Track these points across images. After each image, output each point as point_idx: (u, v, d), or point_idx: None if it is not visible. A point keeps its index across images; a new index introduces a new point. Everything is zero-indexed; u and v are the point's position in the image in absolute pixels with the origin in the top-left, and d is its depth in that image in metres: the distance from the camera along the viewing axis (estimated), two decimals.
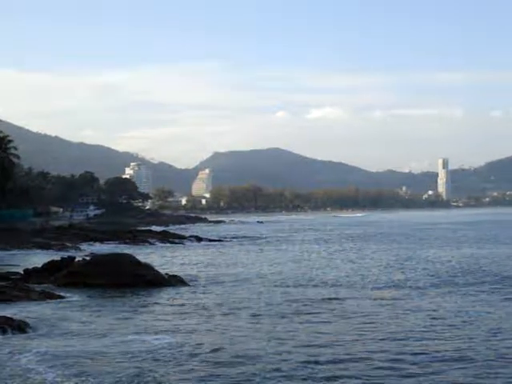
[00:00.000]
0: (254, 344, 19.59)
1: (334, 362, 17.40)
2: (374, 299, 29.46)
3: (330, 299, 29.35)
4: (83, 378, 15.85)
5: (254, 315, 25.25)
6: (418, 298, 29.64)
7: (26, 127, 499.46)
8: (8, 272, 38.94)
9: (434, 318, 24.06)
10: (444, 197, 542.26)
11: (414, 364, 17.13)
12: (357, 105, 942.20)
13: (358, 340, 20.26)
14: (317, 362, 17.28)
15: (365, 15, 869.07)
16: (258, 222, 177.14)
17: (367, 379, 15.81)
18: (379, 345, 19.51)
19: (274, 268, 45.84)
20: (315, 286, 35.04)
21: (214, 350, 18.72)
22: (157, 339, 20.33)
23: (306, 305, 27.80)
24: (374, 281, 36.77)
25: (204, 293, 32.42)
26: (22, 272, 37.95)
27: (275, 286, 35.14)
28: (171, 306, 28.10)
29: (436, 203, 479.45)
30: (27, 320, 22.89)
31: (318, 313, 25.75)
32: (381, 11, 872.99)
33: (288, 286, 34.76)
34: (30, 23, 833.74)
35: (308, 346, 19.27)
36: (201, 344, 19.59)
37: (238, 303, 28.39)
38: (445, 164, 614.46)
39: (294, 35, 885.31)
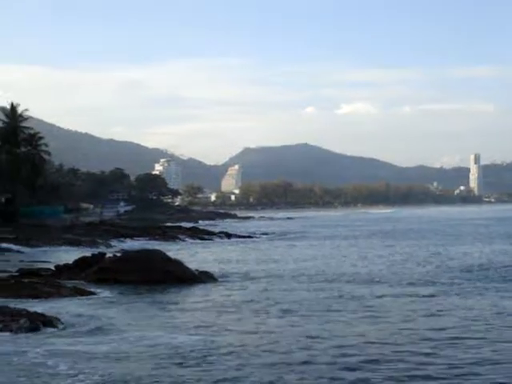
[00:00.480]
0: (284, 343, 19.17)
1: (366, 362, 16.78)
2: (410, 296, 28.97)
3: (363, 296, 28.92)
4: (106, 375, 15.64)
5: (285, 312, 24.91)
6: (454, 295, 29.14)
7: (57, 124, 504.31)
8: (39, 268, 39.09)
9: (473, 317, 23.42)
10: (476, 192, 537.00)
11: (451, 367, 16.34)
12: (386, 100, 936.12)
13: (394, 341, 19.49)
14: (346, 366, 16.44)
15: (394, 10, 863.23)
16: (287, 218, 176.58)
17: None
18: (418, 346, 18.71)
19: (304, 264, 45.52)
20: (348, 281, 34.67)
21: (244, 349, 18.35)
22: (185, 336, 20.09)
23: (338, 302, 27.43)
24: (408, 277, 36.26)
25: (234, 289, 32.20)
26: (54, 268, 38.06)
27: (307, 282, 34.80)
28: (201, 302, 27.90)
29: (468, 199, 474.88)
30: (58, 316, 22.86)
31: (353, 310, 25.27)
32: (408, 5, 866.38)
33: (320, 282, 34.41)
34: (59, 21, 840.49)
35: (340, 347, 18.65)
36: (229, 342, 19.27)
37: (269, 300, 28.08)
38: (476, 159, 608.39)
39: (324, 30, 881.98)
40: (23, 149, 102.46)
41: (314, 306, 26.22)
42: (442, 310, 25.03)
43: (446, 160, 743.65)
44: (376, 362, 16.87)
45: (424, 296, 28.88)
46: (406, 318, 23.34)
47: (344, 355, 17.58)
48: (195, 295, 30.27)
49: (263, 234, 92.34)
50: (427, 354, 17.62)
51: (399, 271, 39.57)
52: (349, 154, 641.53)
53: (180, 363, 16.81)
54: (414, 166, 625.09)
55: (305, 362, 16.85)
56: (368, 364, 16.63)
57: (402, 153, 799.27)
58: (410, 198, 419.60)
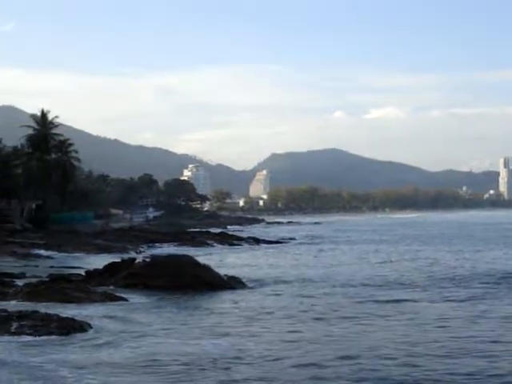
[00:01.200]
0: (316, 351, 18.86)
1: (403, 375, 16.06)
2: (445, 300, 28.67)
3: (397, 300, 28.60)
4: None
5: (317, 319, 24.68)
6: (489, 300, 28.87)
7: (86, 130, 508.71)
8: (70, 274, 39.35)
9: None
10: (506, 196, 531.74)
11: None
12: (415, 104, 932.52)
13: (432, 350, 18.77)
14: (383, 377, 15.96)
15: (423, 15, 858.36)
16: (315, 222, 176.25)
17: None
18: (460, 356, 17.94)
19: (335, 268, 45.36)
20: (380, 286, 34.44)
21: (275, 357, 18.02)
22: (214, 343, 19.97)
23: (372, 307, 27.16)
24: (441, 281, 35.95)
25: (264, 295, 32.12)
26: (84, 274, 38.28)
27: (339, 286, 34.63)
28: (231, 308, 27.88)
29: (497, 203, 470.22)
30: (89, 321, 22.95)
31: (387, 316, 24.94)
32: (437, 10, 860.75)
33: (352, 287, 34.20)
34: (88, 28, 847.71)
35: (375, 355, 18.18)
36: (259, 349, 19.11)
37: (300, 305, 27.96)
38: (506, 163, 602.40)
39: (355, 35, 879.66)
40: (54, 155, 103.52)
41: (348, 312, 25.99)
42: (480, 315, 24.67)
43: (476, 164, 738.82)
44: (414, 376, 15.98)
45: (461, 301, 28.55)
46: (447, 324, 22.85)
47: (380, 364, 17.04)
48: (225, 301, 30.22)
49: (291, 238, 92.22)
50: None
51: (431, 275, 39.28)
52: (377, 158, 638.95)
53: (211, 370, 16.68)
54: (443, 170, 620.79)
55: (337, 371, 16.45)
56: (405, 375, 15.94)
57: (431, 157, 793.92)
58: (439, 202, 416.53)
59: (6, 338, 20.46)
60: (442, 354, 18.00)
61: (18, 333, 20.99)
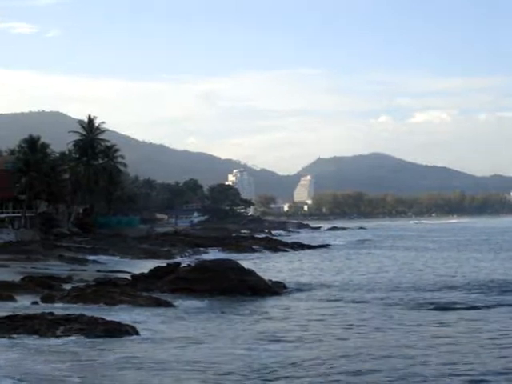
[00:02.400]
0: (367, 359, 18.39)
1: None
2: (508, 305, 28.20)
3: (454, 304, 28.14)
4: None
5: (360, 323, 24.51)
6: None
7: (132, 136, 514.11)
8: (116, 278, 39.75)
9: None
10: None
11: None
12: (461, 108, 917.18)
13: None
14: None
15: (470, 19, 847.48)
16: (360, 227, 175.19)
17: None
18: None
19: (383, 274, 44.87)
20: (431, 290, 34.08)
21: (330, 365, 17.73)
22: (264, 349, 19.85)
23: (429, 314, 26.62)
24: (498, 285, 35.33)
25: (308, 300, 32.06)
26: (130, 278, 38.65)
27: (390, 290, 34.31)
28: (276, 313, 27.85)
29: None
30: (134, 324, 23.09)
31: (444, 323, 24.36)
32: (486, 14, 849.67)
33: (403, 291, 33.89)
34: (134, 35, 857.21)
35: (437, 363, 17.72)
36: (305, 356, 18.89)
37: (344, 310, 27.81)
38: None
39: (400, 39, 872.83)
40: (100, 161, 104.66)
41: (403, 317, 25.67)
42: None
43: None
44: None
45: None
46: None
47: (445, 373, 16.58)
48: (270, 306, 30.16)
49: (336, 244, 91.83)
50: None
51: (485, 279, 38.64)
52: (422, 163, 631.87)
53: (261, 376, 16.51)
54: (490, 175, 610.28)
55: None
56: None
57: (478, 161, 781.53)
58: (486, 207, 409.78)
59: (53, 340, 20.75)
60: None
61: (64, 336, 21.29)
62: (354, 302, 30.89)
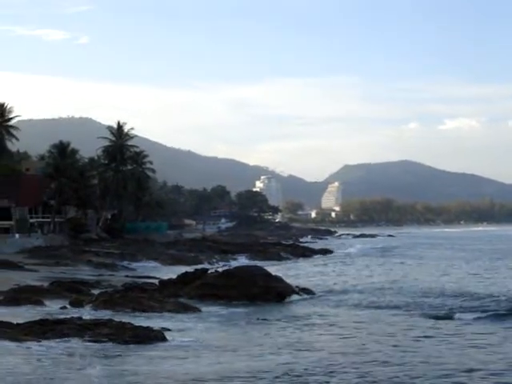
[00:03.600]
0: (394, 369, 17.98)
1: None
2: None
3: (485, 313, 27.76)
4: None
5: (392, 333, 24.19)
6: None
7: (160, 142, 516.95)
8: (144, 283, 39.94)
9: None
10: None
11: None
12: (491, 115, 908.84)
13: None
14: None
15: (500, 26, 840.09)
16: (388, 235, 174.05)
17: None
18: None
19: (413, 282, 43.93)
20: (464, 299, 33.65)
21: (357, 368, 17.63)
22: (297, 357, 19.61)
23: (462, 324, 26.20)
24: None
25: (335, 306, 31.87)
26: (158, 283, 38.80)
27: (412, 296, 34.04)
28: (303, 320, 27.64)
29: None
30: (163, 331, 23.03)
31: (477, 334, 23.58)
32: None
33: (435, 298, 33.55)
34: (163, 42, 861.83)
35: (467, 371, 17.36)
36: (337, 362, 18.68)
37: (380, 317, 27.54)
38: None
39: (427, 45, 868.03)
40: (129, 166, 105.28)
41: (436, 325, 25.41)
42: None
43: None
44: None
45: None
46: None
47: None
48: (297, 312, 30.01)
49: (363, 251, 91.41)
50: None
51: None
52: (451, 170, 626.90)
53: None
54: None
55: None
56: None
57: (507, 169, 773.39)
58: None
59: (81, 344, 20.84)
60: None
61: (92, 340, 21.36)
62: (388, 307, 30.57)
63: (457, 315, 28.16)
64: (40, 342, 20.97)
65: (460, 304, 31.69)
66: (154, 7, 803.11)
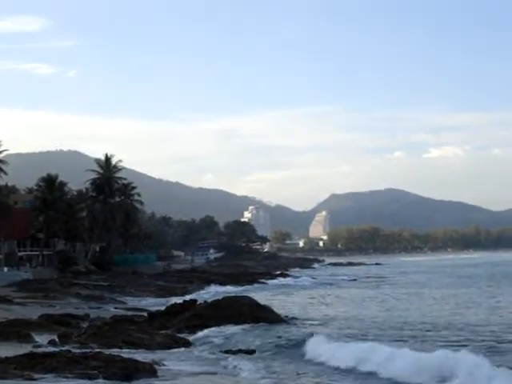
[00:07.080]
0: None
1: None
2: None
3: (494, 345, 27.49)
4: None
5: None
6: None
7: (148, 174, 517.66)
8: (133, 315, 39.96)
9: None
10: None
11: None
12: (475, 143, 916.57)
13: None
14: None
15: (480, 52, 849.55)
16: (376, 263, 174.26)
17: None
18: None
19: (405, 313, 43.31)
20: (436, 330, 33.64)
21: None
22: None
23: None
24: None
25: (329, 339, 31.22)
26: (146, 315, 38.83)
27: (405, 329, 33.90)
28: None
29: None
30: (152, 363, 23.00)
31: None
32: (496, 47, 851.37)
33: (437, 331, 32.75)
34: (148, 74, 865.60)
35: None
36: None
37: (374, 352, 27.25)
38: None
39: (409, 75, 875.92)
40: (117, 198, 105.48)
41: None
42: None
43: None
44: None
45: None
46: None
47: None
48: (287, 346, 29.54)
49: (351, 279, 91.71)
50: None
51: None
52: (437, 198, 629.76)
53: None
54: (506, 209, 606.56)
55: None
56: None
57: (493, 196, 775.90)
58: (502, 241, 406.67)
59: (72, 381, 20.44)
60: None
61: (81, 374, 21.19)
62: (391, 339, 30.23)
63: None
64: (28, 376, 20.67)
65: None
66: (141, 40, 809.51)
